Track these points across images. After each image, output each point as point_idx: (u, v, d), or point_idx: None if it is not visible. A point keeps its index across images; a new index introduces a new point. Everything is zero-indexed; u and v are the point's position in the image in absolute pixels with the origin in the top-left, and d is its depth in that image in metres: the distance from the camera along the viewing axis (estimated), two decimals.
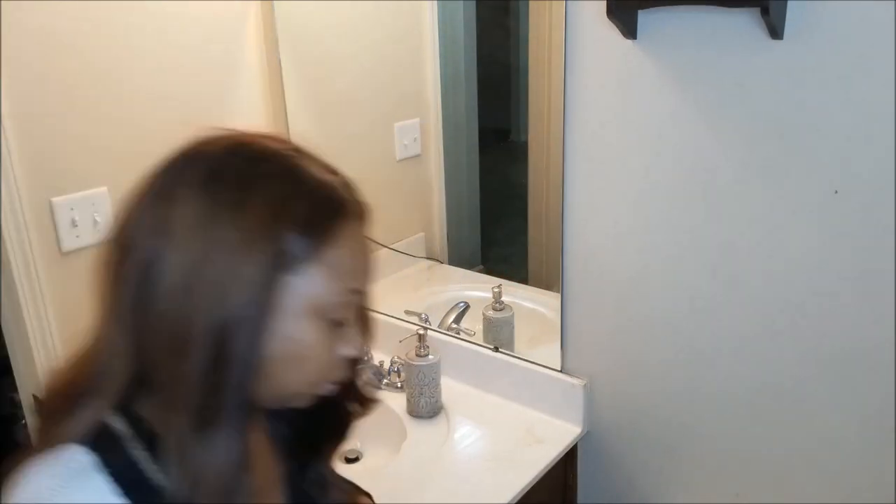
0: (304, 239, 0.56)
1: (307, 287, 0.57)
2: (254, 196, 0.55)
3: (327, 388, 0.64)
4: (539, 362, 1.36)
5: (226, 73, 1.56)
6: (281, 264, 0.55)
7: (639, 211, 1.16)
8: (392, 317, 1.59)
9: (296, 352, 0.58)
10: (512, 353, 1.39)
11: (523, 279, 1.54)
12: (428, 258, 1.76)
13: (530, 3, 1.45)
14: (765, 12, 0.91)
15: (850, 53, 0.91)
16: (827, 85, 0.94)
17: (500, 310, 1.46)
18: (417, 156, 1.73)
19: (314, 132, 1.69)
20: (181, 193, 0.56)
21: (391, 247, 1.73)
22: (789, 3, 0.93)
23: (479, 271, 1.71)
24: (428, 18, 1.63)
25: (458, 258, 1.73)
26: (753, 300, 1.08)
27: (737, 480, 1.20)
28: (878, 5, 0.87)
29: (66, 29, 1.28)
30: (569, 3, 1.12)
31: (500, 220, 1.76)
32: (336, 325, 0.60)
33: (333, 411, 0.72)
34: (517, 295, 1.50)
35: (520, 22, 1.52)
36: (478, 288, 1.56)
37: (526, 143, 1.49)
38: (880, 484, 1.05)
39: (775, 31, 0.94)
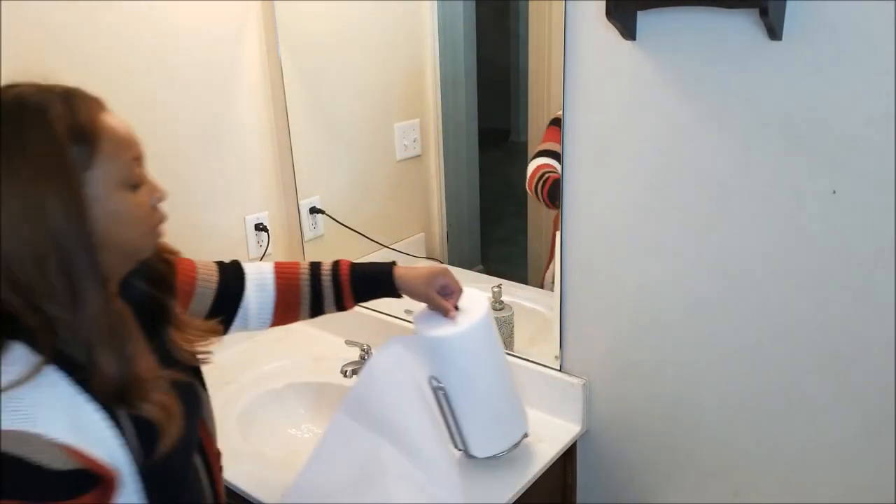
0: (79, 146, 0.71)
1: (103, 174, 0.72)
2: (26, 138, 0.69)
3: (159, 231, 0.82)
4: (538, 361, 1.36)
5: (226, 73, 1.56)
6: (75, 171, 0.70)
7: (638, 210, 1.16)
8: (392, 316, 1.59)
9: (124, 218, 0.75)
10: (511, 353, 1.39)
11: (523, 279, 1.54)
12: (428, 258, 1.76)
13: (530, 3, 1.45)
14: (763, 13, 0.91)
15: (849, 54, 0.91)
16: (826, 85, 0.94)
17: (500, 309, 1.46)
18: (417, 156, 1.73)
19: (314, 132, 1.69)
20: None
21: (391, 247, 1.73)
22: (788, 4, 0.93)
23: (479, 271, 1.72)
24: (428, 18, 1.63)
25: (458, 258, 1.74)
26: (753, 300, 1.09)
27: (736, 479, 1.20)
28: (877, 5, 0.88)
29: (66, 29, 1.29)
30: (569, 3, 1.13)
31: (500, 220, 1.76)
32: (136, 186, 0.77)
33: (156, 272, 0.88)
34: (517, 294, 1.51)
35: (520, 22, 1.52)
36: (478, 288, 1.56)
37: (526, 143, 1.50)
38: (880, 484, 1.05)
39: (774, 32, 0.94)
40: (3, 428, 0.67)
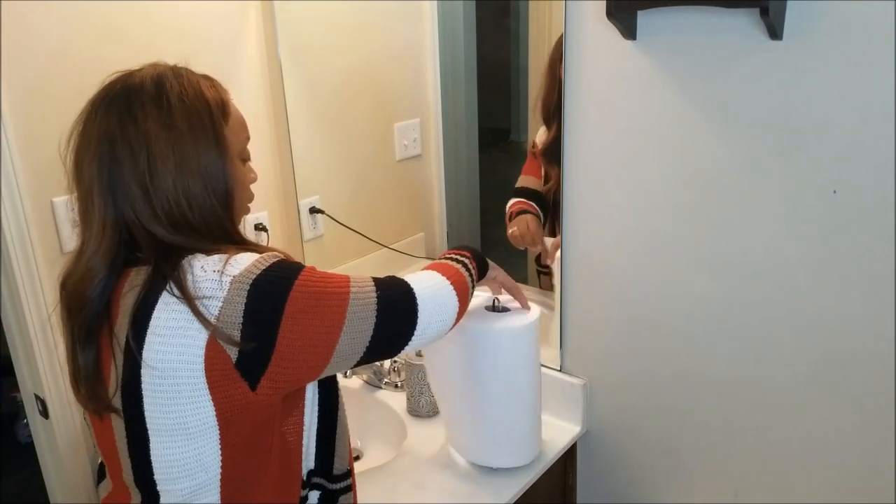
0: (220, 114, 0.88)
1: (231, 142, 0.88)
2: (187, 102, 0.86)
3: (248, 207, 0.96)
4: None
5: (226, 73, 1.56)
6: (223, 128, 0.87)
7: (638, 210, 1.16)
8: None
9: (239, 182, 0.90)
10: None
11: (523, 279, 1.54)
12: (428, 258, 1.76)
13: (530, 3, 1.45)
14: (764, 13, 0.91)
15: (849, 54, 0.91)
16: (826, 85, 0.94)
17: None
18: (417, 156, 1.73)
19: (314, 132, 1.69)
20: (141, 115, 0.84)
21: (391, 247, 1.73)
22: (788, 4, 0.93)
23: None
24: (428, 18, 1.63)
25: None
26: (753, 300, 1.09)
27: (736, 480, 1.20)
28: (877, 5, 0.88)
29: (66, 29, 1.28)
30: (569, 3, 1.13)
31: (500, 220, 1.76)
32: (244, 161, 0.93)
33: None
34: None
35: (520, 22, 1.52)
36: (477, 288, 1.56)
37: (526, 142, 1.50)
38: (880, 484, 1.05)
39: (774, 32, 0.94)
40: (266, 254, 0.85)
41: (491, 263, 1.15)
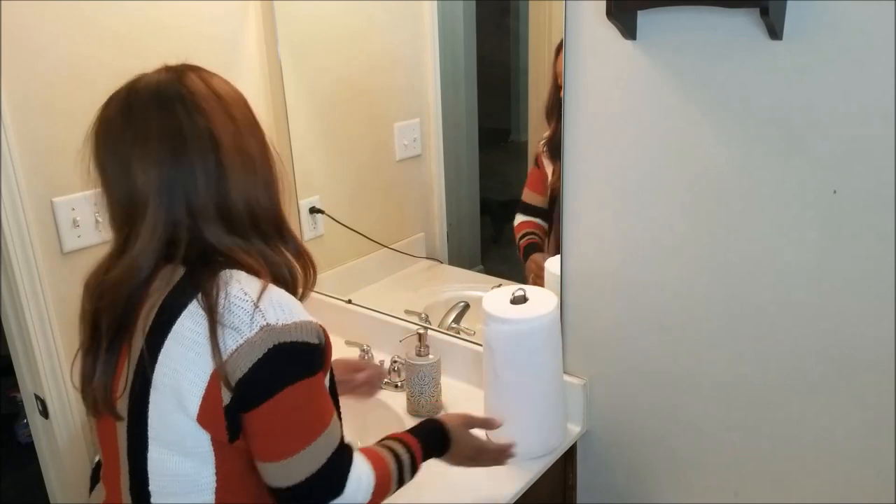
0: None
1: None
2: (233, 95, 0.88)
3: None
4: None
5: (226, 73, 1.55)
6: (260, 126, 0.89)
7: (637, 211, 1.16)
8: (392, 316, 1.59)
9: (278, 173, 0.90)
10: None
11: (523, 279, 1.54)
12: (428, 258, 1.76)
13: (530, 3, 1.45)
14: (764, 13, 0.91)
15: (849, 54, 0.91)
16: (826, 85, 0.94)
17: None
18: (417, 156, 1.73)
19: (314, 132, 1.69)
20: (205, 108, 0.82)
21: (391, 247, 1.73)
22: (788, 4, 0.93)
23: (479, 271, 1.71)
24: (428, 18, 1.63)
25: (458, 258, 1.74)
26: (753, 300, 1.09)
27: (736, 479, 1.20)
28: (877, 5, 0.88)
29: (66, 29, 1.29)
30: (569, 3, 1.13)
31: (501, 220, 1.76)
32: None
33: None
34: None
35: (520, 22, 1.52)
36: (478, 288, 1.56)
37: (526, 143, 1.50)
38: (880, 484, 1.05)
39: (774, 32, 0.94)
40: (310, 320, 0.82)
41: (454, 436, 1.04)
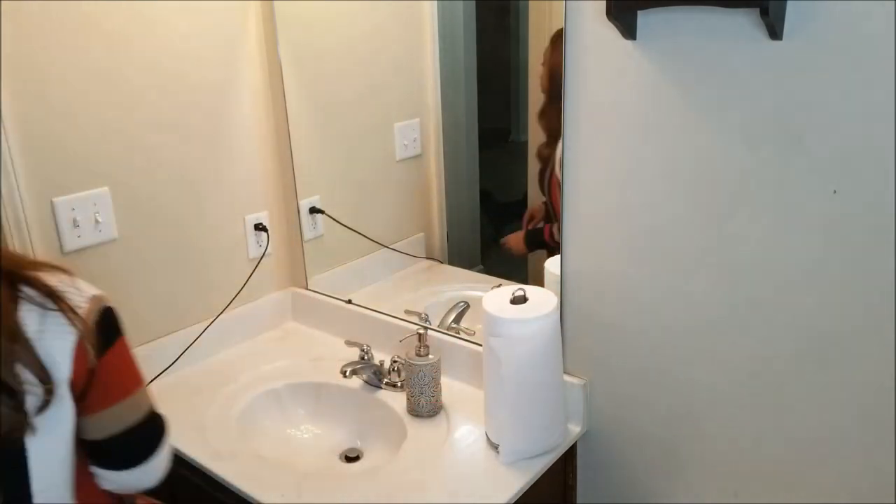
0: None
1: None
2: None
3: None
4: None
5: (226, 73, 1.56)
6: None
7: (637, 210, 1.16)
8: (392, 316, 1.59)
9: None
10: None
11: (523, 279, 1.54)
12: (428, 258, 1.76)
13: (530, 3, 1.45)
14: (764, 13, 0.91)
15: (849, 54, 0.91)
16: (826, 85, 0.94)
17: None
18: (417, 156, 1.73)
19: (314, 132, 1.69)
20: None
21: (391, 247, 1.73)
22: (788, 4, 0.93)
23: (479, 271, 1.71)
24: (428, 18, 1.63)
25: (458, 258, 1.74)
26: (752, 300, 1.09)
27: (736, 479, 1.20)
28: (877, 5, 0.88)
29: (66, 29, 1.29)
30: (569, 3, 1.13)
31: (501, 221, 1.76)
32: None
33: None
34: None
35: (520, 22, 1.52)
36: (478, 288, 1.56)
37: (526, 143, 1.50)
38: (881, 484, 1.05)
39: (774, 32, 0.94)
40: None
41: None
